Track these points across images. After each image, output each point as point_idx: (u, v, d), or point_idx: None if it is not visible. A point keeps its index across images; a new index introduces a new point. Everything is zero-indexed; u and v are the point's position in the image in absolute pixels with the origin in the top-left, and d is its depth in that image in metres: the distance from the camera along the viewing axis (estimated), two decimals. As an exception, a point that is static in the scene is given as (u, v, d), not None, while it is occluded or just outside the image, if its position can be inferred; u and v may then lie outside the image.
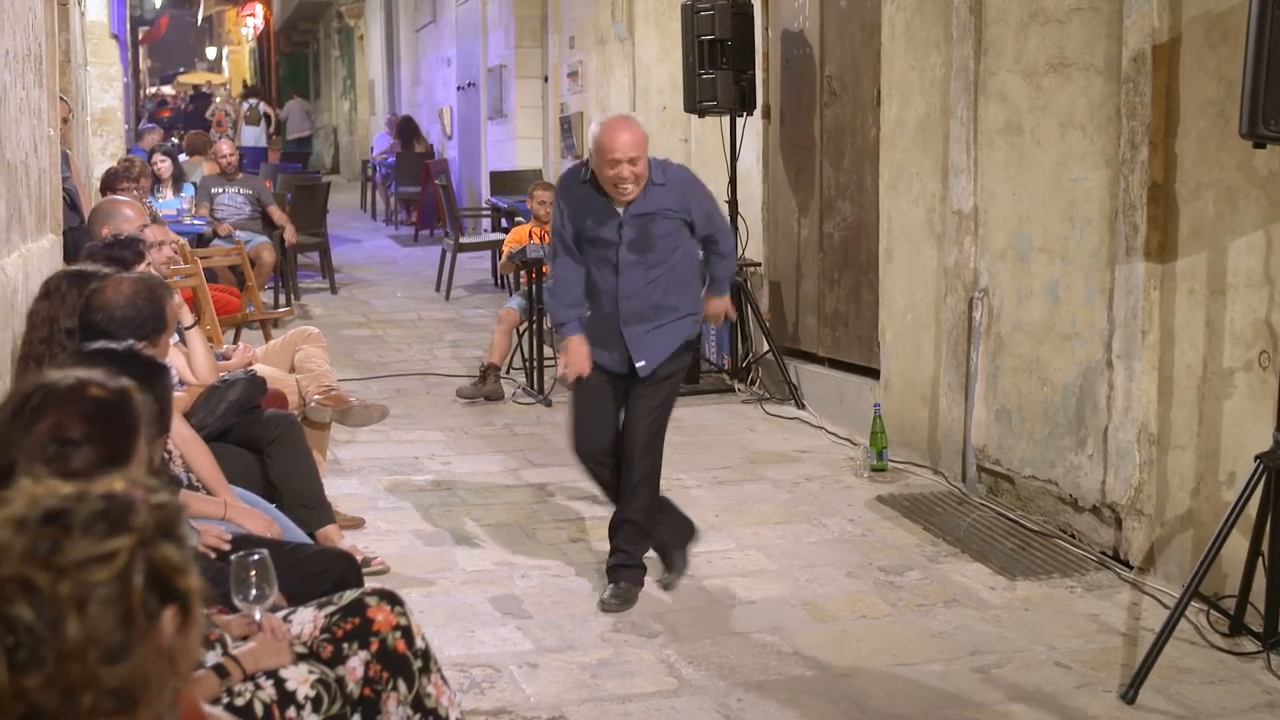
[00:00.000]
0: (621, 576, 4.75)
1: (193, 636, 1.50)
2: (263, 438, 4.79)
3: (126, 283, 3.79)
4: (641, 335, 4.73)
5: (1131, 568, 4.93)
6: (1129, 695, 3.89)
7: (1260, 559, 4.11)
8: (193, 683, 1.60)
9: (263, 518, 3.95)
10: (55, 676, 1.39)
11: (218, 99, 29.33)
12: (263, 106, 23.95)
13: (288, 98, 27.32)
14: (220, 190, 11.12)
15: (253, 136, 22.62)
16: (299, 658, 2.83)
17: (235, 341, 7.85)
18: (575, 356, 4.70)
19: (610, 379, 4.78)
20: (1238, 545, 4.16)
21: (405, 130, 18.14)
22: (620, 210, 4.67)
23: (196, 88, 35.23)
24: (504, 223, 12.42)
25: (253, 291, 9.07)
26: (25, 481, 1.51)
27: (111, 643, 1.41)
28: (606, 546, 5.29)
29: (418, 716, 2.90)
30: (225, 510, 3.87)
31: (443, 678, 3.00)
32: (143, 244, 4.89)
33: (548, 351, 8.15)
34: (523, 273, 8.34)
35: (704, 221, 4.81)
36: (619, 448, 4.78)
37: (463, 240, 12.26)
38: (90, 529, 1.44)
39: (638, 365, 4.72)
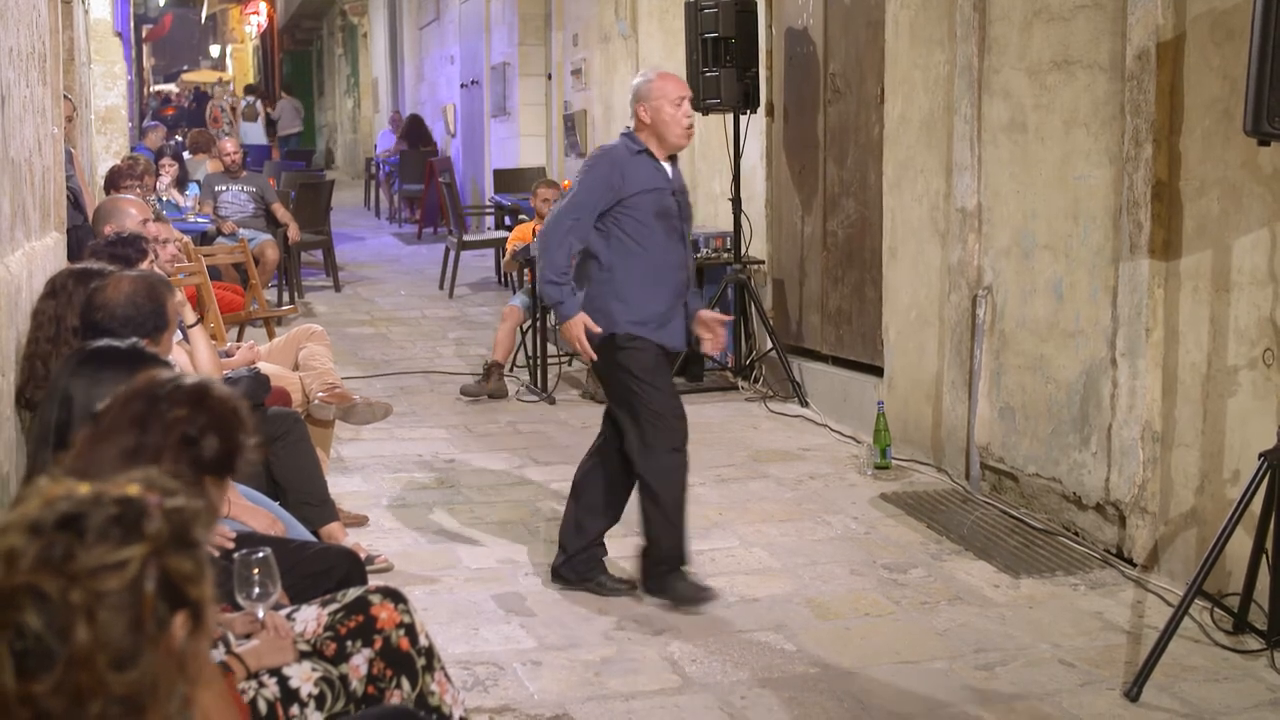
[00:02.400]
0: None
1: (203, 642, 1.50)
2: (266, 435, 4.78)
3: (127, 281, 3.78)
4: (690, 310, 4.77)
5: (1135, 565, 4.92)
6: (1133, 693, 3.89)
7: (1264, 557, 4.11)
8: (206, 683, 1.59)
9: (266, 515, 3.95)
10: (63, 683, 1.38)
11: (217, 93, 29.35)
12: (259, 104, 24.00)
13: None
14: (224, 188, 11.12)
15: (251, 133, 22.64)
16: (302, 655, 2.83)
17: (239, 339, 7.86)
18: (582, 333, 4.57)
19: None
20: (1242, 543, 4.16)
21: (411, 130, 18.15)
22: (670, 177, 4.71)
23: (197, 87, 35.26)
24: (507, 220, 12.43)
25: (256, 289, 9.08)
26: (42, 480, 1.50)
27: (120, 650, 1.40)
28: (608, 544, 5.30)
29: (422, 713, 2.90)
30: (229, 508, 3.86)
31: (446, 676, 3.00)
32: (146, 241, 4.89)
33: (551, 350, 8.16)
34: (526, 271, 8.34)
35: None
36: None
37: (466, 238, 12.26)
38: (104, 536, 1.42)
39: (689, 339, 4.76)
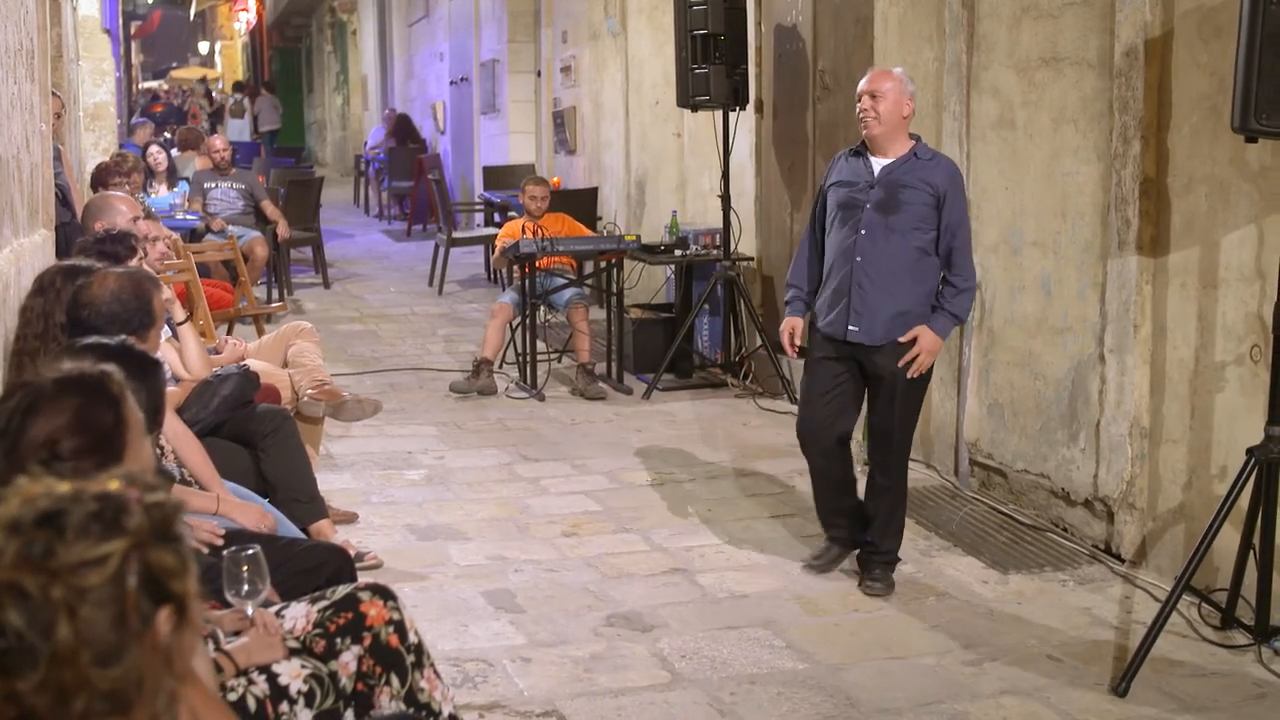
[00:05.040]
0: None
1: (188, 637, 1.49)
2: (256, 432, 4.78)
3: (113, 278, 3.77)
4: (864, 301, 4.69)
5: (1123, 561, 4.94)
6: (1121, 688, 3.90)
7: (1252, 552, 4.13)
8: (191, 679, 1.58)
9: (256, 512, 3.95)
10: (47, 680, 1.38)
11: (196, 90, 29.41)
12: (245, 100, 24.01)
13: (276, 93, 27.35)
14: (213, 185, 11.09)
15: (236, 130, 22.64)
16: (292, 652, 2.83)
17: (228, 336, 7.84)
18: (784, 334, 4.93)
19: (840, 358, 4.77)
20: (1229, 539, 4.17)
21: (400, 128, 18.13)
22: (875, 171, 4.75)
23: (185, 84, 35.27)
24: (497, 217, 12.42)
25: (246, 286, 9.06)
26: (22, 479, 1.50)
27: (104, 646, 1.40)
28: (598, 541, 5.31)
29: (411, 711, 2.91)
30: (218, 505, 3.86)
31: (436, 672, 3.00)
32: (135, 238, 4.88)
33: (540, 346, 8.16)
34: (515, 267, 8.32)
35: (954, 224, 4.69)
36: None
37: (456, 235, 12.25)
38: (84, 532, 1.42)
39: (850, 329, 4.71)
